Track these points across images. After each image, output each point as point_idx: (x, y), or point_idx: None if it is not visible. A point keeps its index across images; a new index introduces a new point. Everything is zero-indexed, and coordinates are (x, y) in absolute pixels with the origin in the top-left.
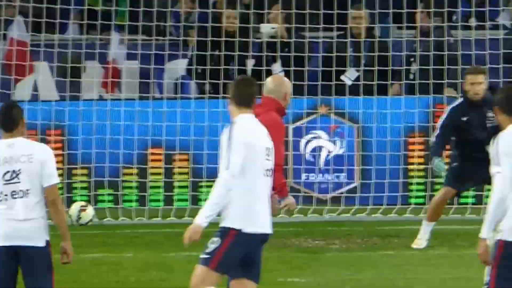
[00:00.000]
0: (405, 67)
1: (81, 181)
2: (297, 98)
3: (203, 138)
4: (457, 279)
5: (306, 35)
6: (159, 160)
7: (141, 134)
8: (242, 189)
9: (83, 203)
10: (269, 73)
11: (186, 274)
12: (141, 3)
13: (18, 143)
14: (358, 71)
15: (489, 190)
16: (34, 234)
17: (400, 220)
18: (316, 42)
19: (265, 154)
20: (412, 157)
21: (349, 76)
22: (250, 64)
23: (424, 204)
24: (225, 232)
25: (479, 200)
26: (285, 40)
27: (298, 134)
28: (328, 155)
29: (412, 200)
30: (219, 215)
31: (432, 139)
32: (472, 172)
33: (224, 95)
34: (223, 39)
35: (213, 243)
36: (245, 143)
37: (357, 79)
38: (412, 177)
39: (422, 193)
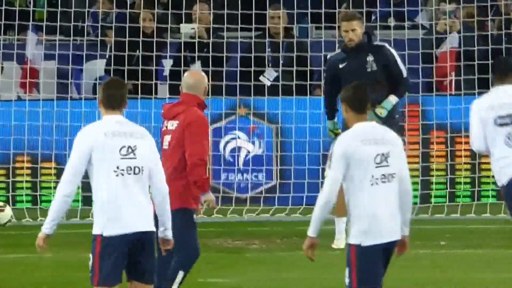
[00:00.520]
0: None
1: None
2: (216, 99)
3: None
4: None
5: (224, 35)
6: None
7: (60, 135)
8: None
9: (0, 203)
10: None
11: None
12: (58, 3)
13: None
14: (276, 71)
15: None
16: None
17: None
18: (235, 42)
19: (120, 154)
20: None
21: (268, 77)
22: (168, 64)
23: None
24: (94, 241)
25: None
26: (204, 40)
27: (217, 134)
28: (247, 156)
29: None
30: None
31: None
32: None
33: (143, 95)
34: (141, 39)
35: (89, 259)
36: (78, 144)
37: (276, 79)
38: None
39: None
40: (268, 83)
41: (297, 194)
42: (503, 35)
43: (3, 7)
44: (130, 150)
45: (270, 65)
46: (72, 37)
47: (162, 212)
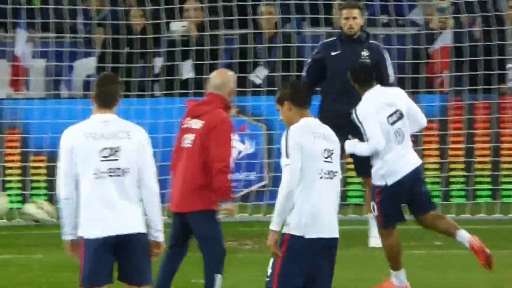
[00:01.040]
0: None
1: None
2: None
3: None
4: (363, 280)
5: (214, 33)
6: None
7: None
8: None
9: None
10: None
11: None
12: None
13: None
14: (267, 69)
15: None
16: None
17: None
18: (226, 39)
19: (100, 155)
20: None
21: (259, 75)
22: (159, 61)
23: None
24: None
25: None
26: (194, 36)
27: None
28: (238, 155)
29: None
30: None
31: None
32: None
33: (138, 93)
34: (132, 36)
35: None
36: (62, 145)
37: (266, 78)
38: None
39: None
40: (258, 81)
41: None
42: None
43: None
44: (112, 151)
45: (261, 63)
46: (67, 34)
47: (151, 212)
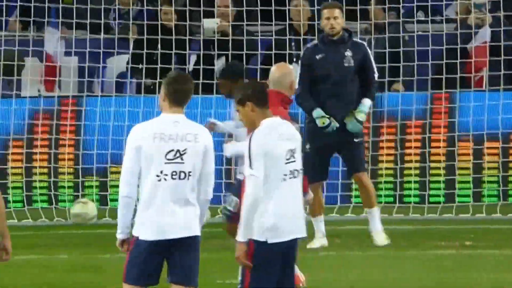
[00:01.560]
0: None
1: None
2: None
3: None
4: (397, 280)
5: (247, 30)
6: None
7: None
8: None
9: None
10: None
11: (117, 276)
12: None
13: None
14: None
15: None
16: None
17: (341, 220)
18: (258, 39)
19: (166, 157)
20: None
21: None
22: (192, 60)
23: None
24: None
25: (423, 199)
26: (227, 36)
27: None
28: None
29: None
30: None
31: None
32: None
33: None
34: (162, 36)
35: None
36: (128, 143)
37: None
38: None
39: None
40: None
41: None
42: None
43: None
44: (178, 154)
45: (294, 60)
46: (102, 33)
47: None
